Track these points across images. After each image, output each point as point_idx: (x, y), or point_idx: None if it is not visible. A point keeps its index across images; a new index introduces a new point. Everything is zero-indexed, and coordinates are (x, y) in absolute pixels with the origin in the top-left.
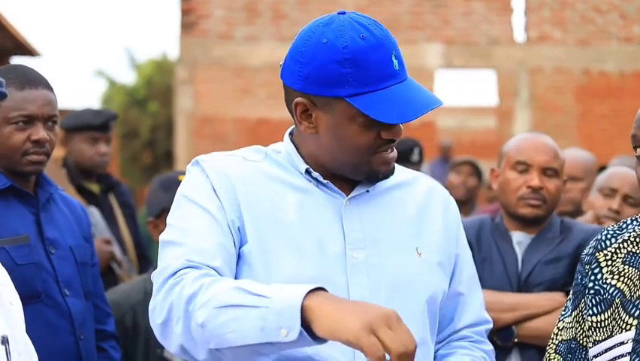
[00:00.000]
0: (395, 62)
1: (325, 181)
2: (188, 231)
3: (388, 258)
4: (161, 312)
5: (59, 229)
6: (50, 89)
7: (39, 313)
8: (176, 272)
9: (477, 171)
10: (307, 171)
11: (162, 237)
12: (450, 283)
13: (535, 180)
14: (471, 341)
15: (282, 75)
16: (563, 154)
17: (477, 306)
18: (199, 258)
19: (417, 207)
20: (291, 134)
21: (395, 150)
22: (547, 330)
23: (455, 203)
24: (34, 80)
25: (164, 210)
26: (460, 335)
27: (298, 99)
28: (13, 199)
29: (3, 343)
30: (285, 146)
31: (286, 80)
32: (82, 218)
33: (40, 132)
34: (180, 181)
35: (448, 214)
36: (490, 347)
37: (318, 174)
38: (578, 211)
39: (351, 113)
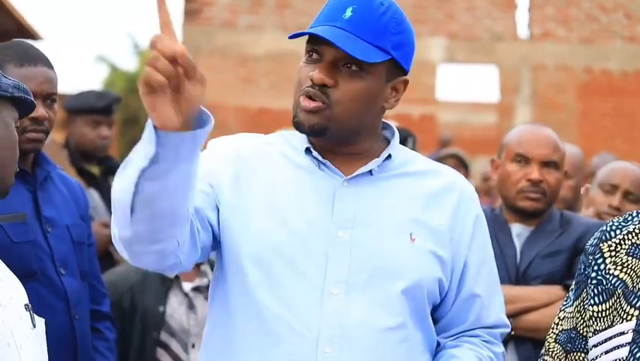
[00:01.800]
0: (349, 13)
1: (324, 160)
2: None
3: (376, 240)
4: None
5: (56, 207)
6: (50, 66)
7: (34, 292)
8: None
9: (463, 164)
10: (307, 150)
11: None
12: (463, 285)
13: (535, 173)
14: (483, 340)
15: None
16: (563, 146)
17: (496, 309)
18: None
19: (425, 196)
20: None
21: (313, 105)
22: (544, 323)
23: (477, 205)
24: (33, 58)
25: None
26: (472, 333)
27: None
28: None
29: (27, 310)
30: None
31: None
32: (79, 197)
33: (39, 110)
34: None
35: (463, 213)
36: (501, 349)
37: (317, 153)
38: (569, 209)
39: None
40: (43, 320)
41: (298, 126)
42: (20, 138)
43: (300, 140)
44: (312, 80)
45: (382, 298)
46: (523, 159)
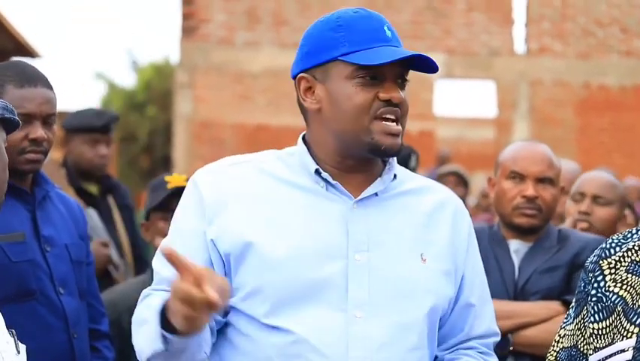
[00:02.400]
0: (388, 32)
1: (334, 182)
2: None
3: (392, 262)
4: None
5: (55, 226)
6: (49, 87)
7: (33, 312)
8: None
9: (463, 181)
10: (317, 172)
11: (154, 260)
12: (460, 295)
13: (529, 189)
14: (478, 352)
15: (292, 75)
16: (559, 162)
17: (487, 318)
18: (161, 286)
19: (425, 215)
20: (303, 138)
21: (399, 125)
22: (543, 339)
23: (469, 217)
24: (33, 78)
25: (150, 212)
26: (468, 345)
27: (300, 75)
28: (9, 196)
29: (12, 335)
30: (298, 148)
31: (293, 74)
32: (78, 216)
33: (37, 131)
34: (166, 182)
35: (458, 226)
36: (495, 359)
37: (327, 174)
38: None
39: (346, 72)
40: (25, 346)
41: (386, 152)
42: (19, 159)
43: (305, 161)
44: (391, 101)
45: (403, 320)
46: (518, 176)
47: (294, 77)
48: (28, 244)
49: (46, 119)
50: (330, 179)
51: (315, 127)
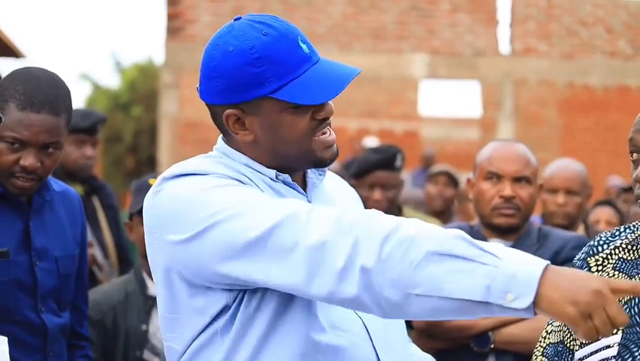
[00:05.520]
0: (303, 46)
1: (292, 183)
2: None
3: None
4: (338, 250)
5: (48, 237)
6: (56, 112)
7: (6, 332)
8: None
9: (453, 181)
10: (276, 176)
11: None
12: None
13: (507, 189)
14: None
15: (201, 96)
16: (535, 161)
17: None
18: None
19: (339, 194)
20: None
21: (334, 133)
22: (524, 336)
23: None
24: (38, 103)
25: (133, 213)
26: None
27: (227, 111)
28: (3, 205)
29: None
30: (238, 159)
31: (207, 99)
32: (77, 215)
33: (29, 159)
34: (150, 185)
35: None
36: None
37: (285, 175)
38: (572, 225)
39: (279, 106)
40: (6, 338)
41: (329, 163)
42: (8, 181)
43: (255, 171)
44: (326, 117)
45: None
46: (495, 176)
47: (209, 104)
48: (13, 261)
49: (44, 147)
50: (289, 180)
51: (249, 151)
